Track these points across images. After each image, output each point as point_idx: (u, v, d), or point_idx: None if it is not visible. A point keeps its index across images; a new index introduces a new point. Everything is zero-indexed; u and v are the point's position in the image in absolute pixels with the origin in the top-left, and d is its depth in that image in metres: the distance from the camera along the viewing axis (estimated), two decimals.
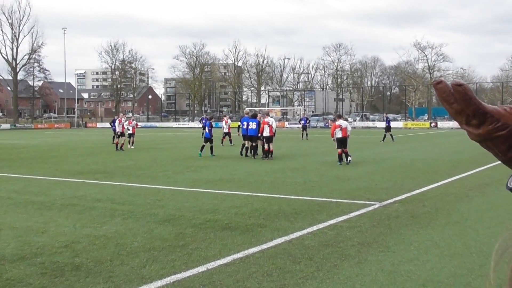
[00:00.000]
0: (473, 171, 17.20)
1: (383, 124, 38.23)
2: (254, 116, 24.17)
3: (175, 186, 14.04)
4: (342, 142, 19.83)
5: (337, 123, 20.04)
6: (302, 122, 41.45)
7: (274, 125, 23.03)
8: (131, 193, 12.83)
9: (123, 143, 28.91)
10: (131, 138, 30.67)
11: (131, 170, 18.54)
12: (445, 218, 9.61)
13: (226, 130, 31.33)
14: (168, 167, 19.48)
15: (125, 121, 31.12)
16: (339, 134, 19.86)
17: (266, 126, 22.65)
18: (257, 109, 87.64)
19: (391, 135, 35.22)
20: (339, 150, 19.86)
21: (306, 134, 39.63)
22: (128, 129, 30.54)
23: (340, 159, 19.64)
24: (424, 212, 10.09)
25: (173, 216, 9.87)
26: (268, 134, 22.49)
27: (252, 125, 23.49)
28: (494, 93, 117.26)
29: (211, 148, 24.87)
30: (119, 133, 29.50)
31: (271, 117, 23.26)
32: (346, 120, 24.46)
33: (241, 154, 24.10)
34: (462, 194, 12.40)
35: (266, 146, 22.50)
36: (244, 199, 11.74)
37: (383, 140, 34.88)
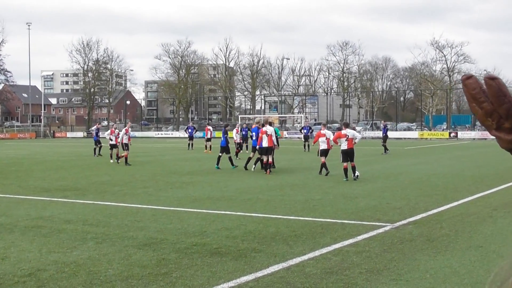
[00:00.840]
0: (498, 188, 17.28)
1: (395, 134, 38.46)
2: (269, 125, 24.29)
3: (156, 205, 14.03)
4: (348, 155, 19.90)
5: (343, 132, 20.12)
6: (304, 131, 41.36)
7: (274, 134, 23.46)
8: (106, 213, 12.81)
9: (123, 155, 28.81)
10: (115, 150, 30.54)
11: (106, 186, 18.51)
12: (466, 241, 9.65)
13: (239, 140, 31.92)
14: (148, 183, 19.46)
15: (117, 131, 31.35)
16: (344, 146, 19.94)
17: (264, 135, 22.92)
18: (257, 116, 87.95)
19: (384, 145, 35.63)
20: (345, 164, 19.92)
21: (308, 146, 39.37)
22: (111, 140, 30.66)
23: (346, 175, 19.71)
24: (442, 235, 10.13)
25: (154, 239, 9.86)
26: (266, 145, 22.73)
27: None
28: None
29: (230, 159, 25.16)
30: (112, 145, 30.44)
31: (269, 125, 23.53)
32: (354, 129, 24.60)
33: (246, 167, 24.09)
34: (485, 214, 12.45)
35: (265, 159, 22.78)
36: (236, 220, 11.75)
37: (384, 152, 35.14)
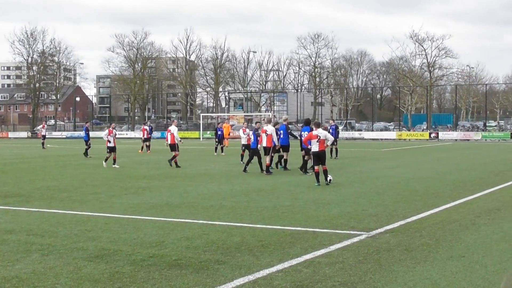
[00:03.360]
0: (481, 193, 17.55)
1: (371, 135, 38.51)
2: (307, 123, 24.86)
3: (109, 213, 13.92)
4: (319, 157, 19.99)
5: (315, 133, 20.21)
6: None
7: (274, 134, 24.64)
8: (52, 222, 12.66)
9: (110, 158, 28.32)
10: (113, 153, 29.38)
11: (53, 192, 18.29)
12: (447, 251, 9.77)
13: (245, 142, 31.42)
14: (101, 188, 19.31)
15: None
16: (315, 147, 20.03)
17: (264, 135, 24.43)
18: (220, 114, 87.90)
19: (336, 148, 34.04)
20: (316, 168, 20.02)
21: None
22: (110, 141, 29.23)
23: (318, 179, 19.81)
24: (421, 244, 10.24)
25: (107, 250, 9.78)
26: (265, 145, 24.32)
27: (305, 135, 24.13)
28: (507, 96, 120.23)
29: (260, 163, 25.20)
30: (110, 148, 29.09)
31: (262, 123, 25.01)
32: (327, 129, 24.92)
33: (276, 166, 25.87)
34: (468, 221, 12.62)
35: (268, 159, 24.20)
36: (198, 229, 11.71)
37: (336, 156, 33.83)
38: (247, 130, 32.61)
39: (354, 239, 10.67)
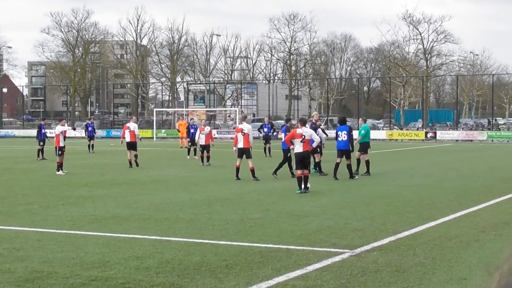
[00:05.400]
0: (486, 203, 17.72)
1: (356, 134, 38.57)
2: (343, 122, 25.30)
3: (43, 228, 13.80)
4: (303, 160, 20.00)
5: (299, 131, 20.18)
6: (265, 130, 42.12)
7: (251, 133, 24.59)
8: None
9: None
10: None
11: None
12: (446, 273, 9.86)
13: (203, 142, 32.24)
14: (32, 198, 19.15)
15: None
16: (299, 148, 20.00)
17: (240, 134, 24.28)
18: (177, 109, 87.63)
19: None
20: (299, 172, 20.04)
21: (269, 149, 40.23)
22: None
23: (300, 185, 19.87)
24: (415, 264, 10.31)
25: (39, 273, 9.70)
26: (242, 146, 24.10)
27: (343, 136, 24.40)
28: None
29: (290, 166, 25.12)
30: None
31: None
32: (317, 127, 25.18)
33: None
34: (470, 237, 12.75)
35: (250, 163, 23.98)
36: (150, 246, 11.68)
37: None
38: (207, 128, 32.69)
39: (336, 258, 10.71)
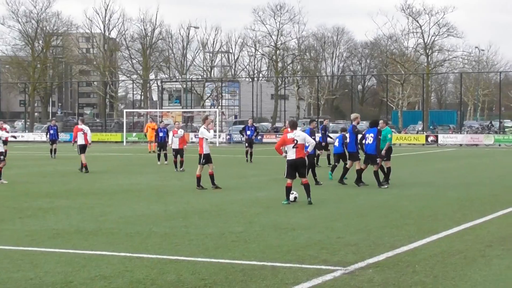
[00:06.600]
0: (493, 215, 17.78)
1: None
2: (373, 124, 25.11)
3: None
4: (297, 168, 19.88)
5: (290, 135, 20.04)
6: (248, 133, 42.38)
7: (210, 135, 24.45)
8: None
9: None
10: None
11: None
12: None
13: (176, 146, 32.92)
14: None
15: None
16: (292, 155, 19.85)
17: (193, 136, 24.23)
18: (151, 110, 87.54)
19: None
20: (289, 181, 20.01)
21: (251, 154, 40.41)
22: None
23: (288, 196, 19.87)
24: (415, 283, 10.30)
25: None
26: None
27: (369, 139, 24.52)
28: None
29: (313, 173, 25.50)
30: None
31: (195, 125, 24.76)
32: (314, 132, 25.22)
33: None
34: (476, 253, 12.75)
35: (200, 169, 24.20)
36: (119, 264, 11.61)
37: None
38: (180, 131, 32.82)
39: (327, 276, 10.68)
